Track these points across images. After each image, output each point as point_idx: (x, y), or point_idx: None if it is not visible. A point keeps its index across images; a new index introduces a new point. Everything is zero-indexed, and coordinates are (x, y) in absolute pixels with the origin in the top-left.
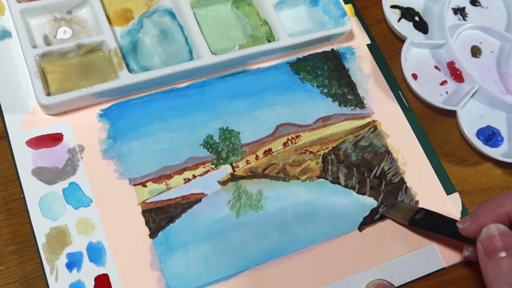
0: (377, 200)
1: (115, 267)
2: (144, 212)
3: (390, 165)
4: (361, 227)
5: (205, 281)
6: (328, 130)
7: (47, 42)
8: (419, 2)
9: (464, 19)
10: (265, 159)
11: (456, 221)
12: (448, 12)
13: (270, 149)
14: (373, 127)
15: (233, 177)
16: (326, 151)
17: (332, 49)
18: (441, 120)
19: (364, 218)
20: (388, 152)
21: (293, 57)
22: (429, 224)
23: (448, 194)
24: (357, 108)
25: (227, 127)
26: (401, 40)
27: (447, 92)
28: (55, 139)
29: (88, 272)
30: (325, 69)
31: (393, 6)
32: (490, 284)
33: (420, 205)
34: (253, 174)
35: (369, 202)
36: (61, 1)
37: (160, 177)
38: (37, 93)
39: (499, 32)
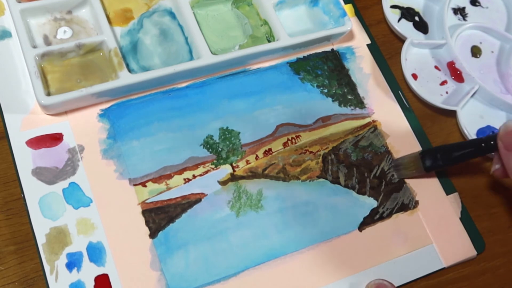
0: (377, 200)
1: (115, 267)
2: (144, 212)
3: (390, 165)
4: (361, 227)
5: (205, 281)
6: (328, 130)
7: (47, 42)
8: (419, 2)
9: (464, 19)
10: (265, 159)
11: (464, 142)
12: (448, 12)
13: (270, 149)
14: (373, 127)
15: (233, 177)
16: (326, 151)
17: (332, 49)
18: (441, 120)
19: (364, 218)
20: (388, 152)
21: (293, 57)
22: (444, 161)
23: (448, 194)
24: (357, 108)
25: (227, 127)
26: (401, 40)
27: (447, 92)
28: (55, 139)
29: (88, 272)
30: (325, 69)
31: (393, 6)
32: None
33: (420, 205)
34: (253, 174)
35: (369, 202)
36: (61, 1)
37: (160, 177)
38: (37, 93)
39: (499, 32)
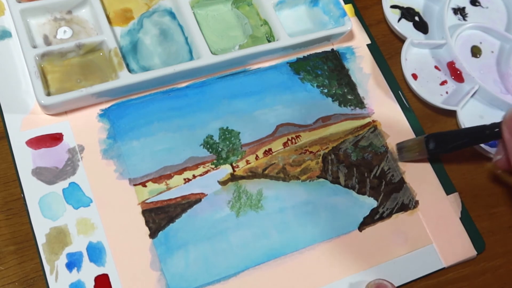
0: (377, 200)
1: (115, 267)
2: (144, 212)
3: (390, 165)
4: (361, 227)
5: (205, 281)
6: (328, 130)
7: (47, 42)
8: (419, 2)
9: (464, 19)
10: (265, 159)
11: (468, 128)
12: (448, 12)
13: (270, 149)
14: (373, 127)
15: (233, 177)
16: (326, 151)
17: (332, 49)
18: (441, 120)
19: (364, 218)
20: (388, 152)
21: (293, 57)
22: (446, 146)
23: (448, 194)
24: (357, 108)
25: (227, 127)
26: (401, 40)
27: (447, 92)
28: (55, 139)
29: (88, 272)
30: (325, 69)
31: (393, 6)
32: None
33: (420, 205)
34: (253, 174)
35: (369, 202)
36: (61, 1)
37: (160, 177)
38: (37, 93)
39: (499, 32)
